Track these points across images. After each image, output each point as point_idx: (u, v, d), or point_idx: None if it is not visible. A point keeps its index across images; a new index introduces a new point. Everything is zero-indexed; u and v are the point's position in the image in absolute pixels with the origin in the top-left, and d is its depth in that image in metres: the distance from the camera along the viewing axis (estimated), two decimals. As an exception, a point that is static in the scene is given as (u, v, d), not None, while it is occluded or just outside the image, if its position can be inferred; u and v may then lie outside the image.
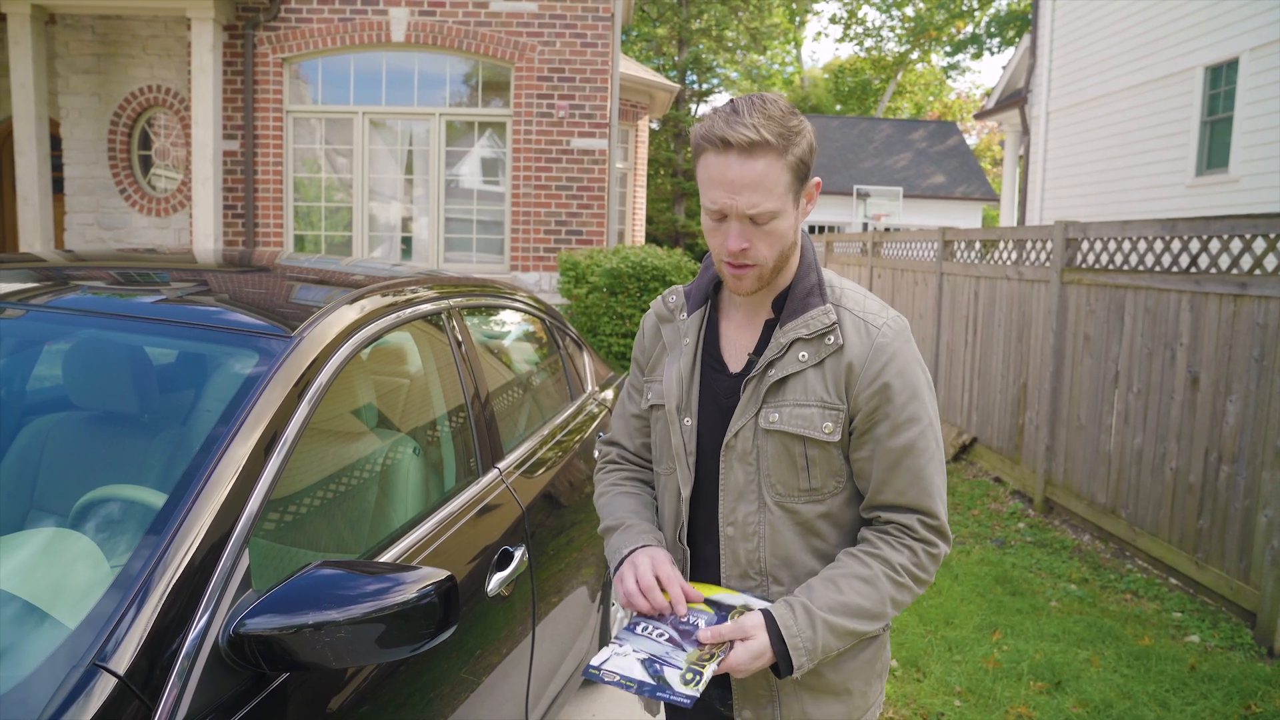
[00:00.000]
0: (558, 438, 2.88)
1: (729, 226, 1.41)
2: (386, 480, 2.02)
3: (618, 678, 1.31)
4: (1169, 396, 4.67)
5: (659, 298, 1.68)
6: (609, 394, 3.59)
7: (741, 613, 1.44)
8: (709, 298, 1.60)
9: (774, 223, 1.40)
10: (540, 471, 2.60)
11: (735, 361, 1.54)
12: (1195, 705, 3.46)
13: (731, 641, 1.38)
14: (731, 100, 1.41)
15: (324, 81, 9.36)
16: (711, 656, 1.35)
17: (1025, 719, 3.33)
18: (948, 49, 34.12)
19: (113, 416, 1.80)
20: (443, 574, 1.37)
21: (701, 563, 1.58)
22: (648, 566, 1.47)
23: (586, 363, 3.58)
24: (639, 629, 1.41)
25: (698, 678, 1.31)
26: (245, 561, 1.39)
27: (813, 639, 1.39)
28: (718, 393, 1.54)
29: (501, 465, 2.40)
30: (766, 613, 1.41)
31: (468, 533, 2.07)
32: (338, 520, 1.84)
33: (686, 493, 1.55)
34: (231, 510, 1.40)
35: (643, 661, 1.34)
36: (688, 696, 1.28)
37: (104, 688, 1.14)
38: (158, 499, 1.42)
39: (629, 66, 12.05)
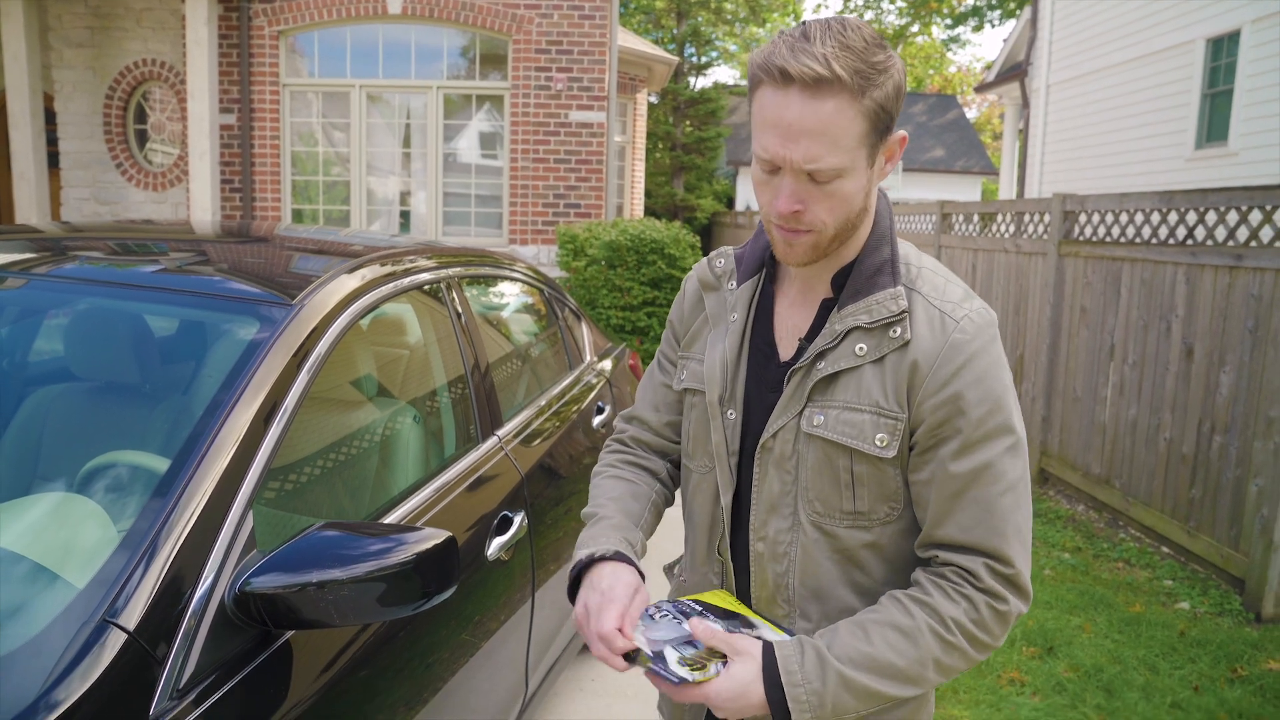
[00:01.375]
0: (555, 407, 2.90)
1: (781, 182, 1.13)
2: (387, 447, 2.04)
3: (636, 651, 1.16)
4: (1164, 368, 4.70)
5: (704, 259, 1.43)
6: (607, 364, 3.62)
7: (755, 637, 1.21)
8: (764, 265, 1.33)
9: (838, 183, 1.12)
10: (539, 440, 2.63)
11: (786, 346, 1.28)
12: (1183, 669, 3.51)
13: (721, 660, 1.15)
14: (803, 22, 1.11)
15: (320, 54, 9.31)
16: (721, 657, 1.16)
17: (1017, 683, 3.39)
18: (948, 22, 33.88)
19: (115, 384, 1.82)
20: (444, 534, 1.40)
21: (740, 581, 1.33)
22: (597, 606, 1.20)
23: (585, 333, 3.60)
24: (650, 614, 1.23)
25: (701, 666, 1.14)
26: (250, 523, 1.42)
27: (820, 693, 1.12)
28: (764, 384, 1.28)
29: (501, 433, 2.43)
30: (768, 646, 1.16)
31: (468, 498, 2.10)
32: (340, 486, 1.87)
33: (727, 499, 1.31)
34: (236, 472, 1.43)
35: (647, 638, 1.18)
36: (678, 677, 1.12)
37: (114, 642, 1.17)
38: (162, 464, 1.44)
39: (627, 39, 11.97)
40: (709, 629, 1.16)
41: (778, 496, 1.25)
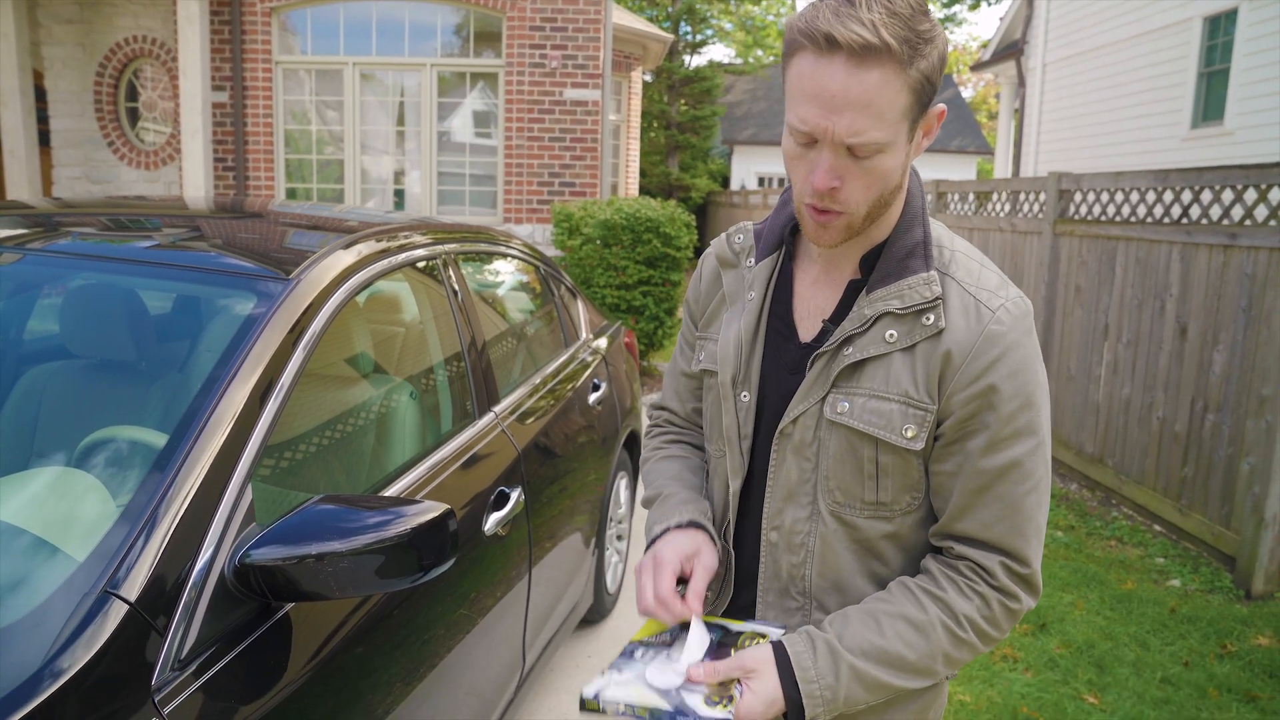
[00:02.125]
0: (551, 384, 2.91)
1: (819, 157, 1.07)
2: (384, 423, 2.05)
3: (622, 707, 1.10)
4: (1158, 347, 4.72)
5: (722, 235, 1.37)
6: (603, 342, 3.62)
7: (749, 642, 1.18)
8: (784, 242, 1.27)
9: (878, 158, 1.06)
10: (535, 416, 2.64)
11: (807, 328, 1.23)
12: (1174, 645, 3.55)
13: (738, 682, 1.12)
14: None
15: (313, 32, 9.23)
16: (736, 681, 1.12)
17: (1010, 659, 3.42)
18: (944, 0, 33.69)
19: (111, 360, 1.82)
20: (442, 507, 1.41)
21: (744, 572, 1.29)
22: (668, 568, 1.21)
23: (581, 311, 3.60)
24: (638, 654, 1.18)
25: (727, 701, 1.09)
26: (249, 496, 1.42)
27: (833, 687, 1.11)
28: (782, 365, 1.23)
29: (497, 409, 2.43)
30: (778, 645, 1.14)
31: (464, 474, 2.10)
32: (337, 462, 1.87)
33: (736, 485, 1.26)
34: (234, 446, 1.44)
35: (655, 689, 1.12)
36: (720, 718, 1.07)
37: (116, 613, 1.17)
38: (160, 438, 1.45)
39: (622, 16, 11.89)
40: (710, 670, 1.12)
41: (796, 484, 1.20)
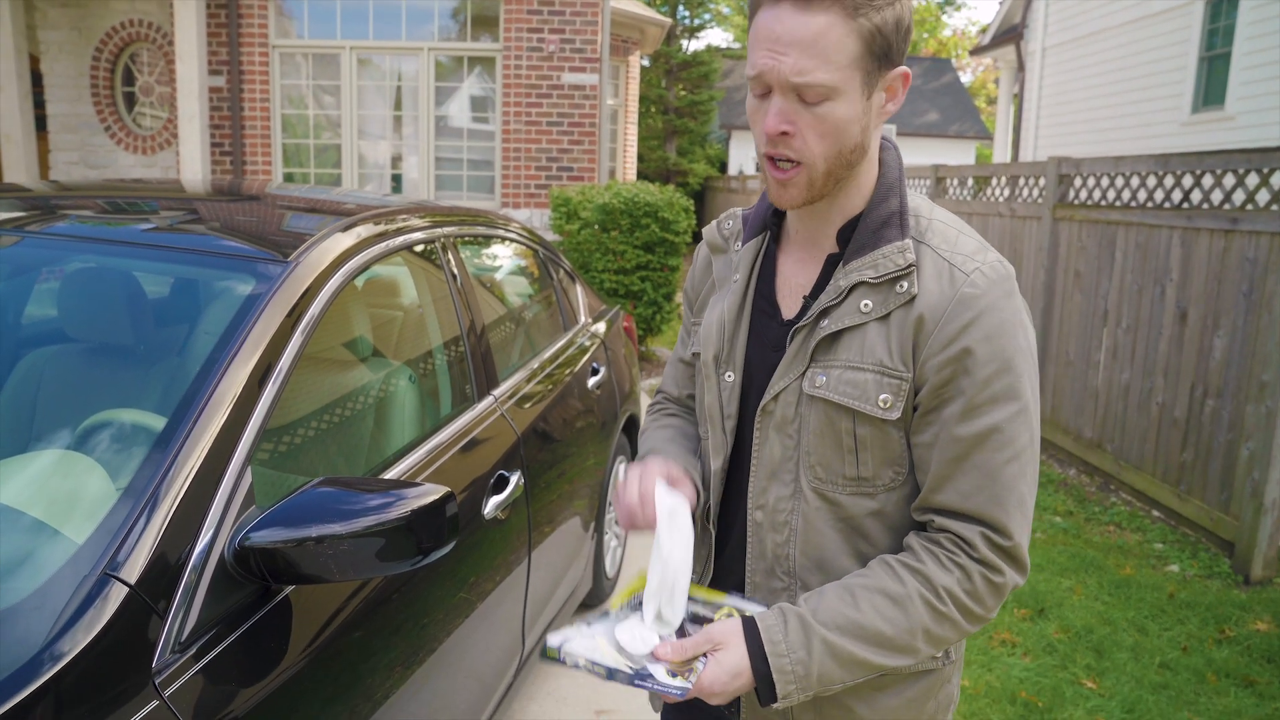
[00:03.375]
0: (550, 369, 2.90)
1: (770, 103, 1.09)
2: (383, 406, 2.04)
3: (583, 661, 1.09)
4: (1157, 332, 4.71)
5: (714, 222, 1.39)
6: (601, 326, 3.61)
7: (729, 615, 1.17)
8: (769, 226, 1.28)
9: (829, 105, 1.07)
10: (535, 400, 2.63)
11: (790, 305, 1.23)
12: (1172, 630, 3.56)
13: (703, 655, 1.10)
14: None
15: (310, 16, 9.17)
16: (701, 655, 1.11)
17: (1009, 644, 3.43)
18: (944, -16, 33.54)
19: (110, 343, 1.81)
20: (442, 490, 1.40)
21: (733, 551, 1.28)
22: (655, 472, 1.24)
23: (579, 295, 3.59)
24: (613, 614, 1.19)
25: (690, 672, 1.09)
26: (248, 479, 1.42)
27: (805, 661, 1.09)
28: (766, 344, 1.24)
29: (496, 393, 2.42)
30: (749, 620, 1.13)
31: (464, 457, 2.10)
32: (336, 445, 1.87)
33: (718, 464, 1.27)
34: (233, 428, 1.43)
35: (618, 649, 1.12)
36: (680, 689, 1.07)
37: (116, 596, 1.17)
38: (159, 421, 1.44)
39: (620, 1, 11.82)
40: (677, 648, 1.10)
41: (779, 462, 1.19)
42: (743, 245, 1.29)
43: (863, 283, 1.13)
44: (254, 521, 1.35)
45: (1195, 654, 3.37)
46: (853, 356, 1.13)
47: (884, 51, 1.07)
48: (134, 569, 1.20)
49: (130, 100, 9.53)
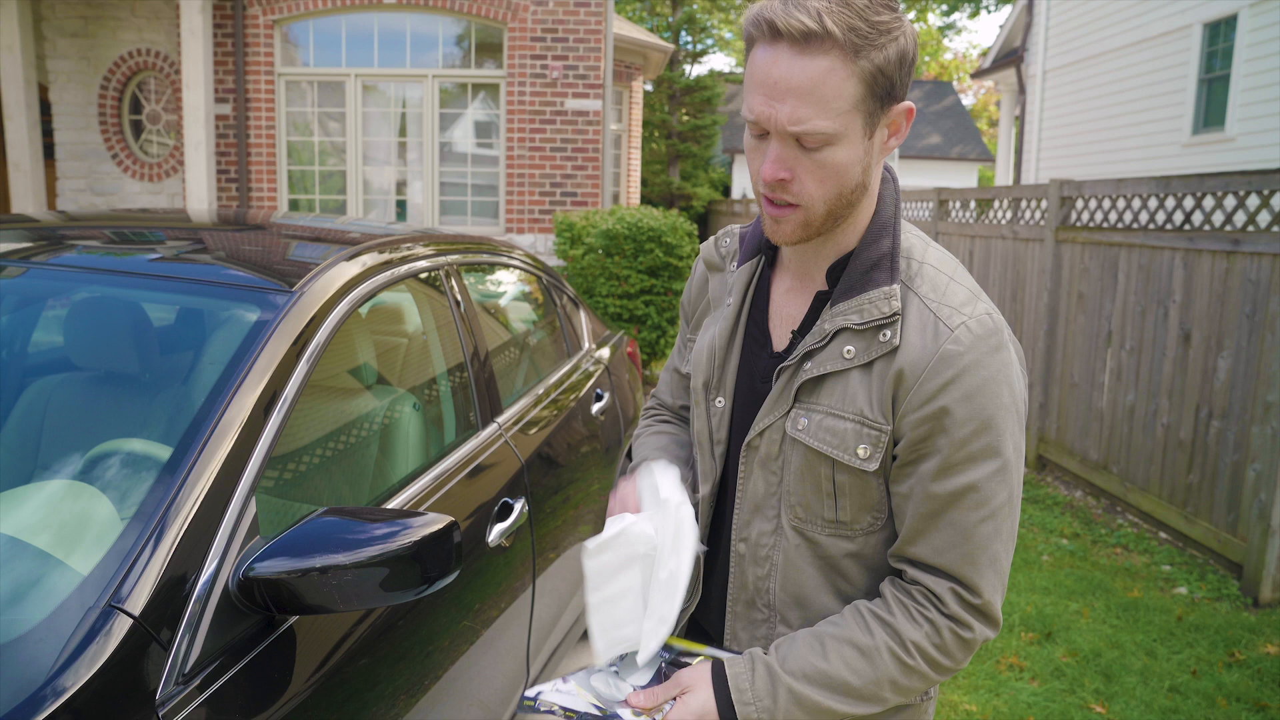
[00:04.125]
0: (554, 395, 2.91)
1: (768, 147, 1.06)
2: (387, 434, 2.05)
3: (556, 708, 1.13)
4: (1161, 353, 4.71)
5: (711, 239, 1.37)
6: (606, 352, 3.62)
7: (700, 663, 1.18)
8: (764, 250, 1.26)
9: (828, 150, 1.03)
10: (539, 427, 2.64)
11: (779, 337, 1.21)
12: (1181, 654, 3.53)
13: (672, 699, 1.13)
14: None
15: (315, 44, 9.27)
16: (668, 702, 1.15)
17: (1016, 668, 3.40)
18: (944, 8, 33.78)
19: (117, 372, 1.82)
20: (446, 519, 1.41)
21: (718, 579, 1.29)
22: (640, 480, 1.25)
23: (583, 321, 3.60)
24: (591, 676, 1.21)
25: (658, 713, 1.11)
26: (253, 509, 1.42)
27: (771, 709, 1.09)
28: (755, 373, 1.22)
29: (501, 420, 2.43)
30: (717, 665, 1.13)
31: (468, 485, 2.10)
32: (340, 473, 1.87)
33: (706, 490, 1.27)
34: (238, 459, 1.43)
35: (591, 700, 1.15)
36: None
37: (120, 628, 1.17)
38: (164, 451, 1.44)
39: (622, 27, 11.93)
40: (649, 695, 1.12)
41: (762, 498, 1.19)
42: (738, 267, 1.27)
43: (847, 328, 1.11)
44: (258, 552, 1.35)
45: (1205, 677, 3.35)
46: (834, 403, 1.12)
47: (887, 91, 1.04)
48: (138, 601, 1.21)
49: (137, 128, 9.62)
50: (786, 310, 1.21)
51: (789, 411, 1.15)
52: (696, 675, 1.13)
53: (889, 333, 1.09)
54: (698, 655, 1.21)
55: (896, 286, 1.10)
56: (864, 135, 1.05)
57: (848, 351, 1.11)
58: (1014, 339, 1.14)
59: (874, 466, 1.11)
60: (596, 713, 1.11)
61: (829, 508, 1.15)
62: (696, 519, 1.28)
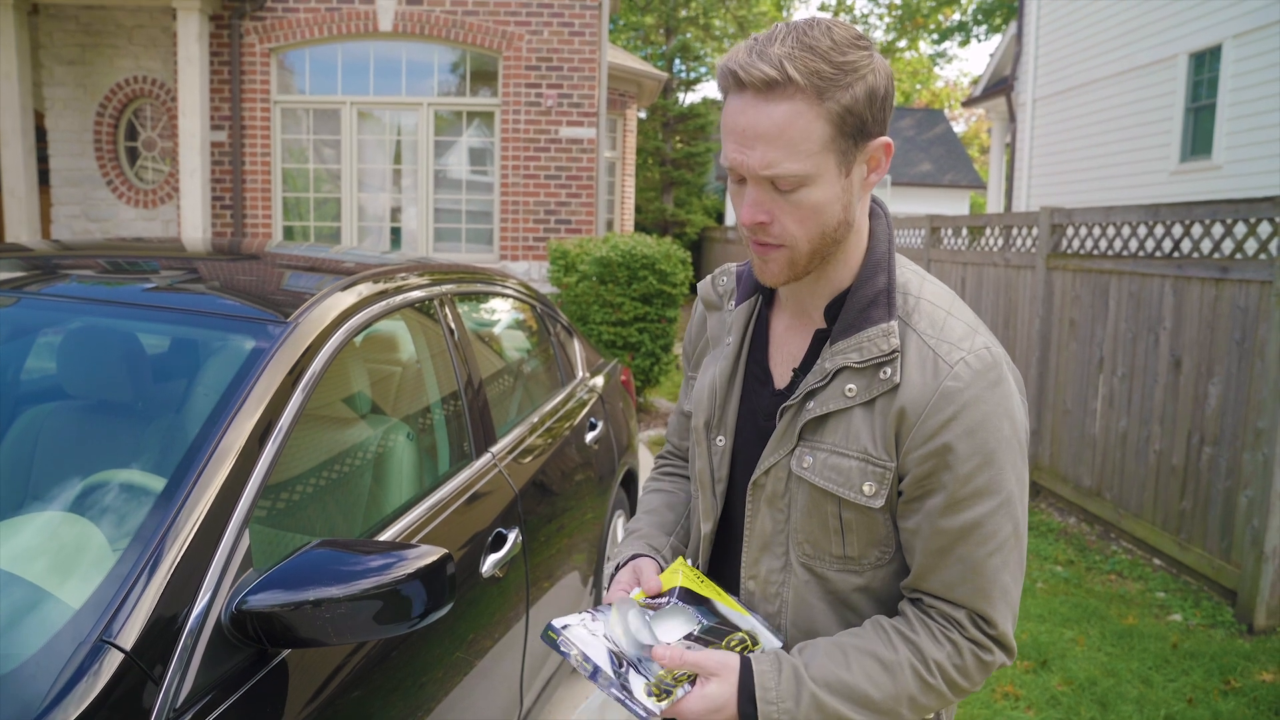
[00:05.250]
0: (548, 424, 2.91)
1: (746, 192, 1.08)
2: (381, 464, 2.04)
3: (576, 651, 1.12)
4: (1152, 380, 4.73)
5: (708, 277, 1.38)
6: (599, 380, 3.63)
7: (742, 643, 1.17)
8: (761, 288, 1.27)
9: (804, 191, 1.05)
10: (532, 456, 2.64)
11: (781, 375, 1.22)
12: (1177, 682, 3.52)
13: (689, 679, 1.11)
14: (776, 24, 1.06)
15: (311, 72, 9.33)
16: (688, 678, 1.12)
17: (1012, 697, 3.39)
18: (934, 37, 34.16)
19: (110, 403, 1.82)
20: (440, 551, 1.40)
21: None
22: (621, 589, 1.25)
23: (577, 349, 3.61)
24: (628, 611, 1.18)
25: (667, 695, 1.09)
26: (246, 541, 1.42)
27: (792, 712, 1.09)
28: (757, 411, 1.23)
29: (494, 449, 2.43)
30: (745, 661, 1.12)
31: (462, 515, 2.10)
32: (334, 504, 1.87)
33: (708, 529, 1.28)
34: (232, 491, 1.43)
35: (611, 652, 1.13)
36: (646, 710, 1.07)
37: (111, 663, 1.17)
38: (158, 483, 1.44)
39: (617, 55, 12.04)
40: (676, 656, 1.10)
41: (770, 535, 1.20)
42: (736, 305, 1.28)
43: (847, 367, 1.12)
44: (252, 585, 1.34)
45: (1201, 706, 3.33)
46: (839, 441, 1.13)
47: (858, 129, 1.05)
48: (130, 635, 1.20)
49: (133, 155, 9.65)
50: (787, 348, 1.22)
51: (794, 450, 1.16)
52: (724, 664, 1.11)
53: (889, 370, 1.10)
54: (737, 631, 1.19)
55: (894, 323, 1.11)
56: (840, 174, 1.06)
57: (849, 390, 1.12)
58: (1013, 368, 1.15)
59: (880, 504, 1.12)
60: (610, 670, 1.09)
61: (836, 544, 1.16)
62: (696, 558, 1.31)
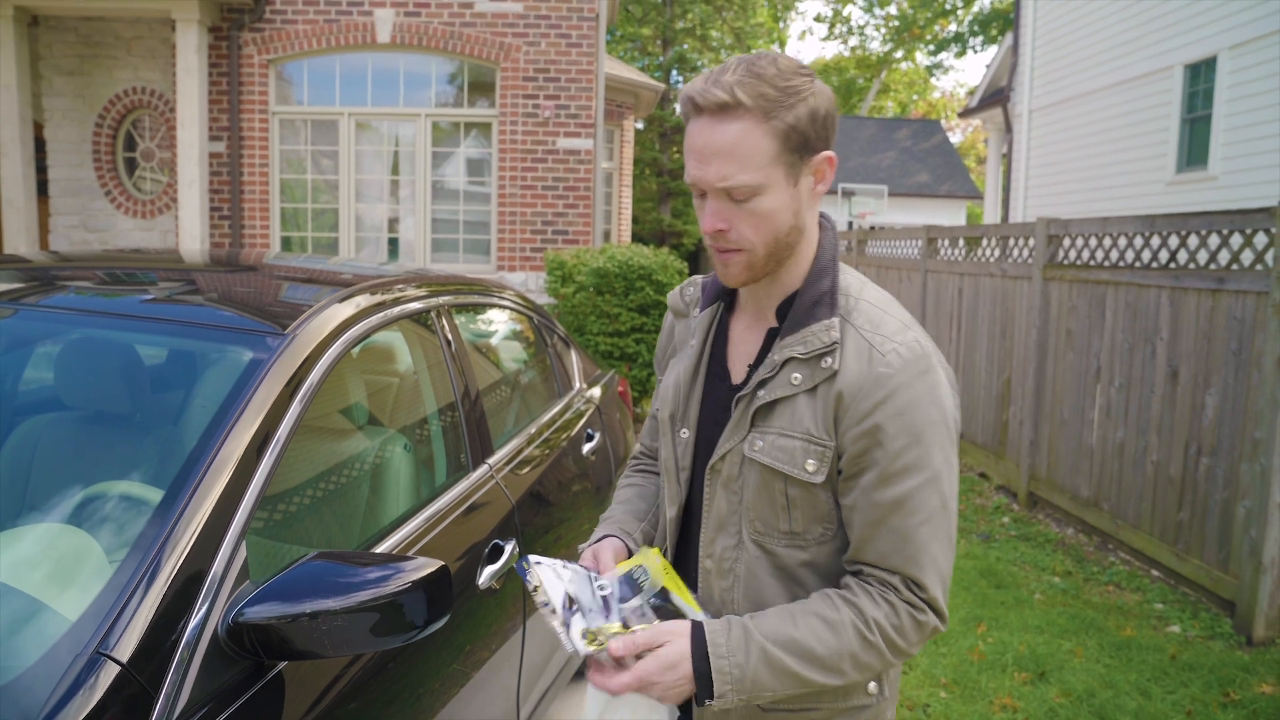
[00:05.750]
0: (545, 435, 2.91)
1: (706, 203, 1.23)
2: (378, 475, 2.04)
3: (539, 585, 1.25)
4: (1150, 390, 4.74)
5: (676, 288, 1.51)
6: (597, 391, 3.63)
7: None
8: (723, 295, 1.42)
9: (757, 200, 1.19)
10: (529, 467, 2.63)
11: (738, 370, 1.36)
12: (1176, 694, 3.52)
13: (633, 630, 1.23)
14: (730, 58, 1.22)
15: (309, 83, 9.35)
16: (626, 629, 1.24)
17: (1010, 709, 3.38)
18: (931, 48, 34.30)
19: (107, 415, 1.82)
20: (436, 564, 1.40)
21: None
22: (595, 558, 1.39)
23: (574, 360, 3.61)
24: (594, 581, 1.33)
25: (599, 643, 1.21)
26: (243, 553, 1.42)
27: (743, 665, 1.19)
28: (717, 405, 1.37)
29: (491, 461, 2.43)
30: (697, 624, 1.23)
31: (459, 526, 2.10)
32: (331, 515, 1.87)
33: (673, 513, 1.41)
34: (229, 503, 1.43)
35: (568, 593, 1.27)
36: (574, 647, 1.21)
37: (107, 675, 1.16)
38: (155, 494, 1.44)
39: (614, 66, 12.07)
40: (629, 643, 1.19)
41: (725, 516, 1.32)
42: (700, 312, 1.43)
43: (794, 358, 1.25)
44: (248, 597, 1.34)
45: (1200, 718, 3.33)
46: (785, 425, 1.26)
47: (802, 144, 1.19)
48: (126, 647, 1.20)
49: (131, 165, 9.66)
50: (743, 347, 1.37)
51: (747, 435, 1.29)
52: (676, 629, 1.22)
53: (830, 360, 1.24)
54: (679, 611, 1.30)
55: (836, 320, 1.25)
56: (788, 184, 1.21)
57: (795, 378, 1.25)
58: (944, 363, 1.29)
59: (821, 479, 1.25)
60: (561, 610, 1.23)
61: (784, 520, 1.29)
62: (665, 540, 1.44)
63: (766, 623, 1.22)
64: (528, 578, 1.26)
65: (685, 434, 1.39)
